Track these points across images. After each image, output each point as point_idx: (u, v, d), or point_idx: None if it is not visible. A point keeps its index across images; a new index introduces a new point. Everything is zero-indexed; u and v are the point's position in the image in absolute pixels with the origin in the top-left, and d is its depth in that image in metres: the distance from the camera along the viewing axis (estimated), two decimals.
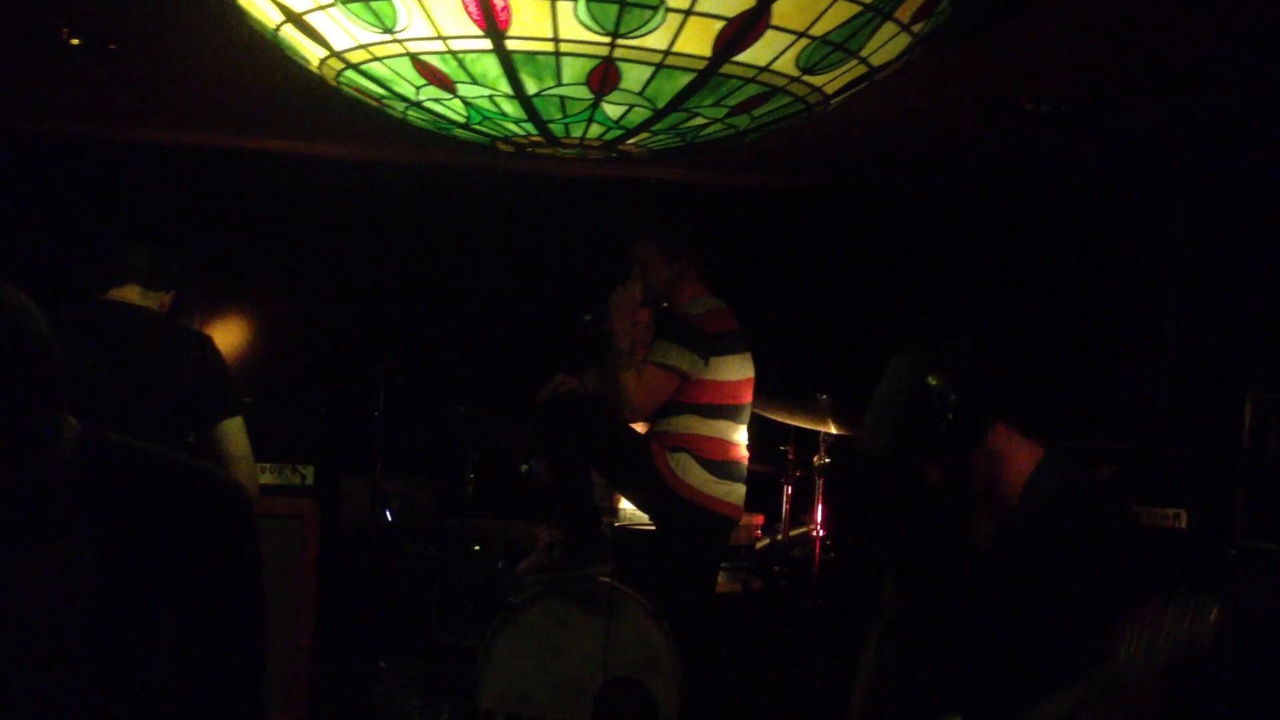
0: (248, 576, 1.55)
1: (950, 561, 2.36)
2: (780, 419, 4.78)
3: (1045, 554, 2.24)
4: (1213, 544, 4.36)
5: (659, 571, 4.23)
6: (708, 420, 4.12)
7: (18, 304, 1.48)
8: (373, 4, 2.41)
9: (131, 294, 3.31)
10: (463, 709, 4.12)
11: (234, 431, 3.20)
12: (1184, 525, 4.45)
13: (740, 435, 4.23)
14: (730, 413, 4.16)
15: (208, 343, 3.33)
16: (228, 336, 5.72)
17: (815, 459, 4.82)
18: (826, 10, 2.41)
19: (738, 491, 4.14)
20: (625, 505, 4.84)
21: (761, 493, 4.67)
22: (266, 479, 4.67)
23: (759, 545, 4.97)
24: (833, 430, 4.71)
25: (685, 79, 2.57)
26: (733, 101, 2.72)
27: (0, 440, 1.41)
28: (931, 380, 2.16)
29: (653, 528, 4.51)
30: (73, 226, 5.60)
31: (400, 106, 2.92)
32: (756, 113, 2.82)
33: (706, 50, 2.46)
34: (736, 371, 4.17)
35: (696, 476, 4.04)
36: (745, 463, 4.19)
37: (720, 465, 4.10)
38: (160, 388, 3.13)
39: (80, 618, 1.44)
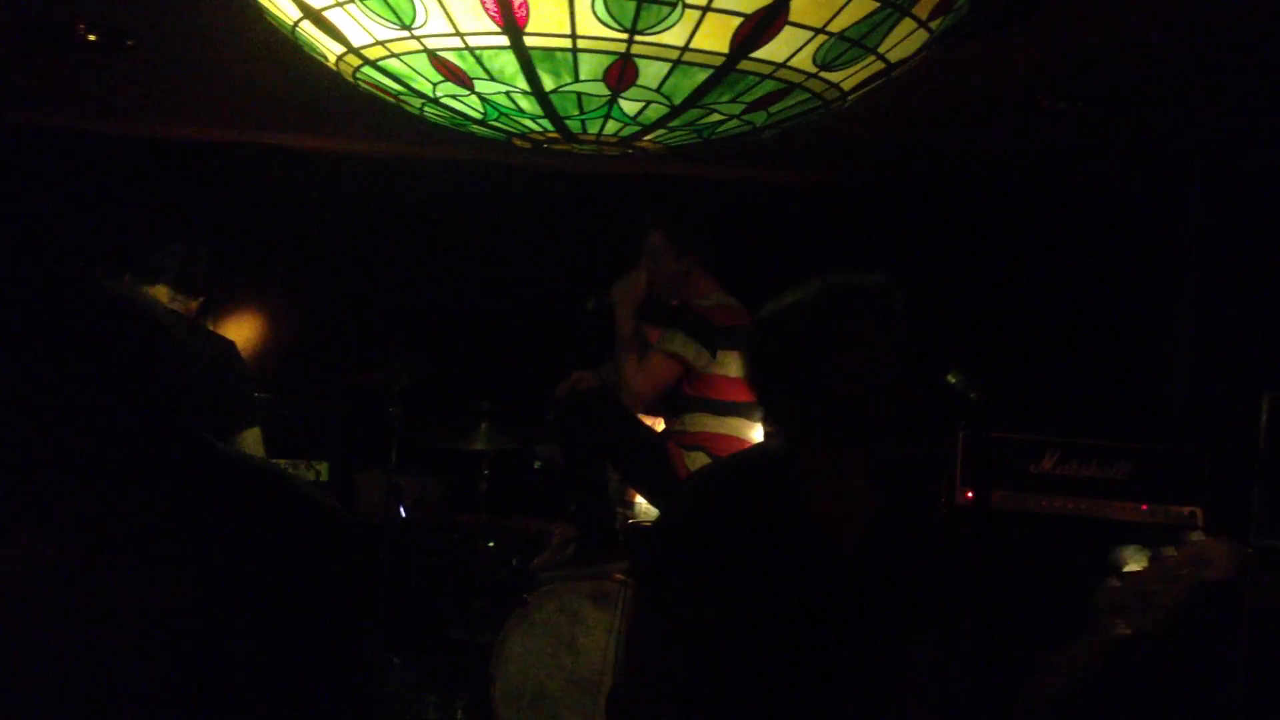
0: (344, 612, 1.48)
1: (808, 564, 2.14)
2: None
3: (912, 544, 2.25)
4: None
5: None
6: (720, 418, 4.11)
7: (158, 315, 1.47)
8: (391, 0, 2.41)
9: (160, 295, 3.31)
10: (477, 704, 4.12)
11: (251, 442, 3.20)
12: (1200, 523, 4.43)
13: (755, 433, 4.22)
14: (743, 410, 4.15)
15: (232, 350, 3.32)
16: (242, 332, 5.73)
17: None
18: (844, 6, 2.40)
19: None
20: (640, 500, 4.84)
21: None
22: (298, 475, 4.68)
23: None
24: None
25: (702, 75, 2.57)
26: (750, 98, 2.72)
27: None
28: (951, 379, 2.13)
29: None
30: (89, 222, 5.62)
31: (417, 103, 2.93)
32: (773, 109, 2.82)
33: (724, 46, 2.46)
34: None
35: None
36: None
37: None
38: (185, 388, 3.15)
39: (159, 630, 1.39)
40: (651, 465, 4.10)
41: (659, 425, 4.30)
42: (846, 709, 2.12)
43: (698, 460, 4.05)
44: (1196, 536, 2.01)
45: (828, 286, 2.31)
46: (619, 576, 4.04)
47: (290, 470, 4.74)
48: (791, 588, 2.08)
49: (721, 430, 4.11)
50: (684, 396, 4.09)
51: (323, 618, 1.44)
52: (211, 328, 3.50)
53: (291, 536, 1.44)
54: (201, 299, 3.45)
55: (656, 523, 2.21)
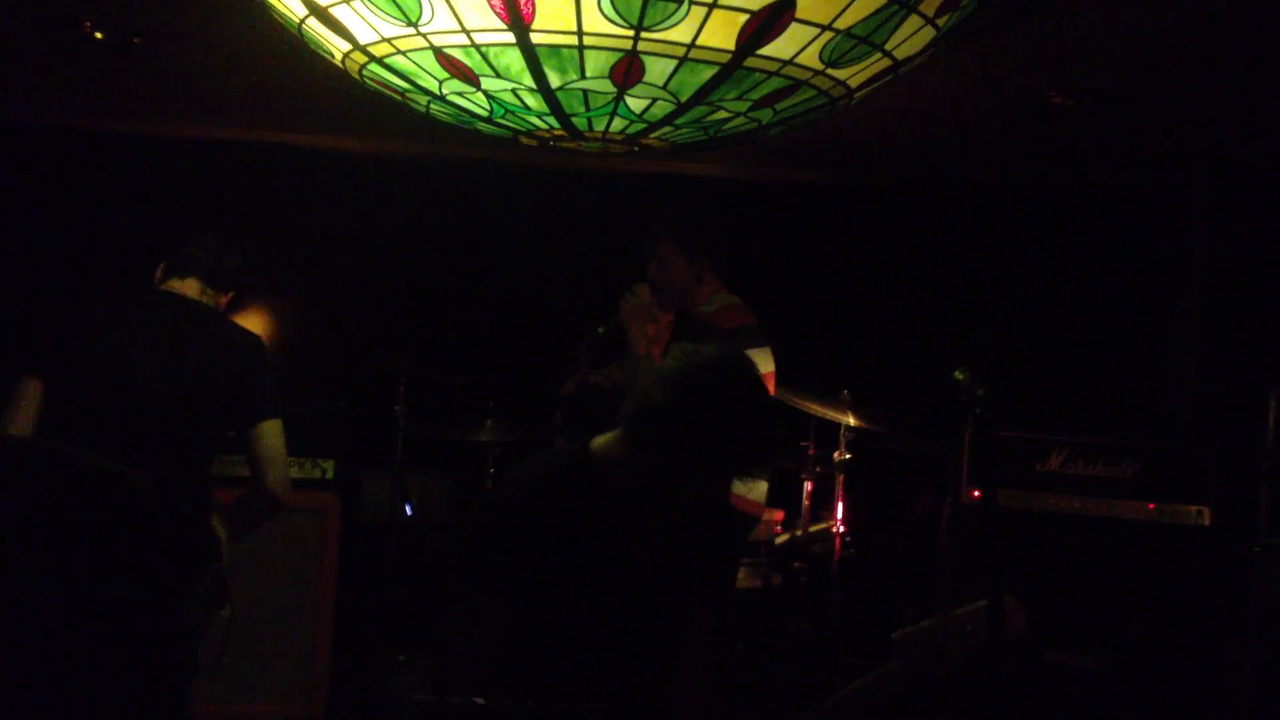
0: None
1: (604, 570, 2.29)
2: (802, 406, 4.75)
3: (708, 548, 2.47)
4: (1236, 542, 4.33)
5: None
6: None
7: None
8: None
9: (190, 288, 3.34)
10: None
11: (271, 434, 3.21)
12: (1207, 523, 4.43)
13: None
14: None
15: (258, 343, 3.35)
16: (250, 329, 5.73)
17: (835, 455, 4.81)
18: (851, 3, 2.40)
19: (759, 489, 4.13)
20: None
21: (781, 488, 4.66)
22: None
23: (779, 541, 4.96)
24: (853, 424, 4.69)
25: (709, 72, 2.56)
26: (756, 95, 2.71)
27: None
28: (958, 376, 2.13)
29: None
30: (96, 221, 5.62)
31: (423, 100, 2.93)
32: (780, 106, 2.82)
33: (730, 44, 2.46)
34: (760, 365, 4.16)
35: None
36: None
37: None
38: (205, 383, 3.16)
39: None
40: None
41: None
42: (635, 669, 2.31)
43: None
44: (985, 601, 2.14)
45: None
46: None
47: (296, 468, 4.75)
48: (584, 584, 2.24)
49: None
50: None
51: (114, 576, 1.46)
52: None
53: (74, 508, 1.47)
54: (232, 294, 3.49)
55: (473, 527, 2.34)
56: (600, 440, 2.32)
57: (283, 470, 3.22)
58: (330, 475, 4.79)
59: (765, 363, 4.19)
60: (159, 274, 3.38)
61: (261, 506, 3.24)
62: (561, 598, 2.22)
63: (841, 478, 4.82)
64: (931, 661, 2.19)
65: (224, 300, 3.46)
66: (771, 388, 4.23)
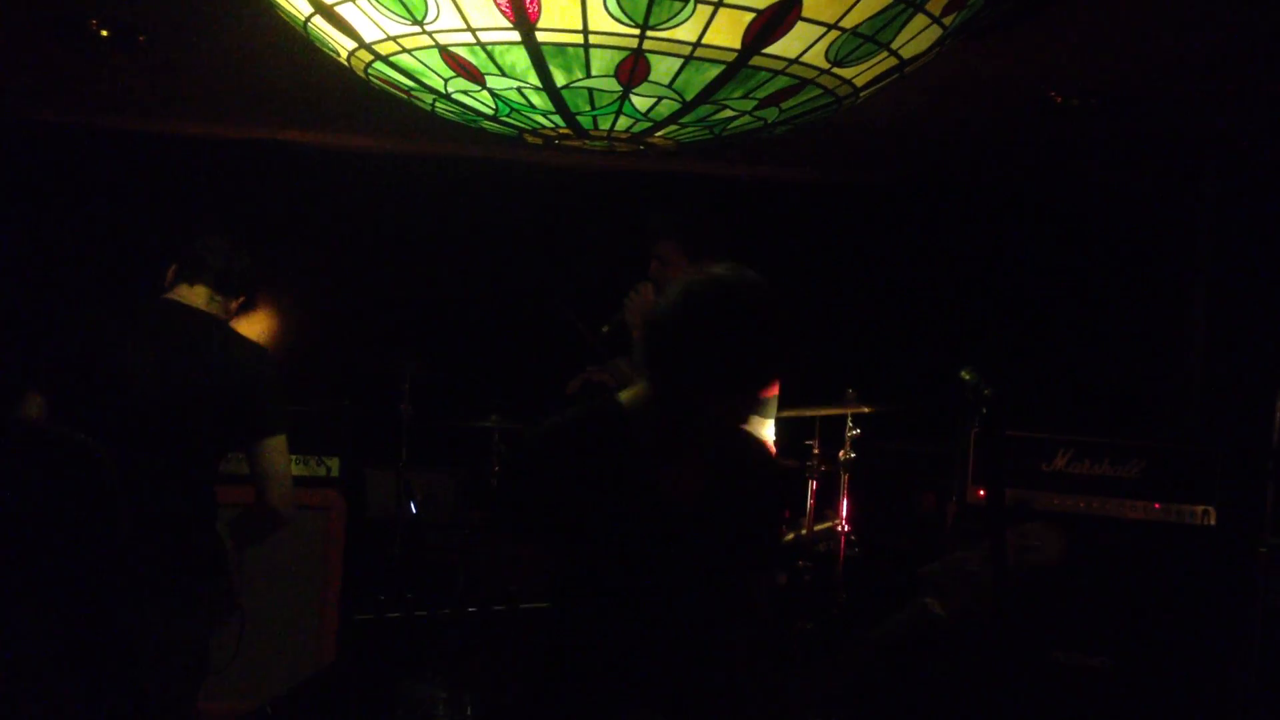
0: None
1: (640, 520, 2.22)
2: (811, 414, 4.76)
3: (753, 496, 2.33)
4: (1242, 542, 4.33)
5: None
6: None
7: None
8: None
9: (199, 296, 3.29)
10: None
11: (275, 449, 3.19)
12: (1213, 522, 4.42)
13: (768, 430, 4.21)
14: (766, 407, 4.14)
15: (265, 356, 3.32)
16: (254, 328, 5.74)
17: (840, 454, 4.80)
18: (858, 2, 2.39)
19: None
20: None
21: (786, 488, 4.66)
22: (292, 470, 4.69)
23: (784, 539, 4.96)
24: (865, 411, 4.69)
25: (714, 71, 2.56)
26: (762, 94, 2.71)
27: None
28: (965, 375, 2.12)
29: None
30: (100, 219, 5.63)
31: (428, 98, 2.92)
32: (785, 105, 2.81)
33: (736, 42, 2.45)
34: None
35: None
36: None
37: None
38: (208, 397, 3.13)
39: None
40: None
41: None
42: (685, 634, 2.24)
43: None
44: (1027, 523, 2.13)
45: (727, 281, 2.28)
46: None
47: (301, 466, 4.76)
48: (630, 540, 2.18)
49: None
50: None
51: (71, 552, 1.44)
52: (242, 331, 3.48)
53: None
54: (242, 298, 3.44)
55: (508, 475, 2.32)
56: (627, 393, 2.30)
57: (286, 486, 3.20)
58: (335, 473, 4.79)
59: None
60: (170, 275, 3.34)
61: (264, 521, 3.22)
62: (601, 555, 2.18)
63: (846, 477, 4.82)
64: (963, 596, 2.20)
65: (234, 305, 3.42)
66: (775, 388, 4.22)
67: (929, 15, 2.52)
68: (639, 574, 2.19)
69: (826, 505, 4.97)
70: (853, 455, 4.77)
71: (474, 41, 2.51)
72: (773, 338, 2.22)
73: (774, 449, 4.21)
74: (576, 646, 2.21)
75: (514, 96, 2.73)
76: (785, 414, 4.69)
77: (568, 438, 2.24)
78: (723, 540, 2.27)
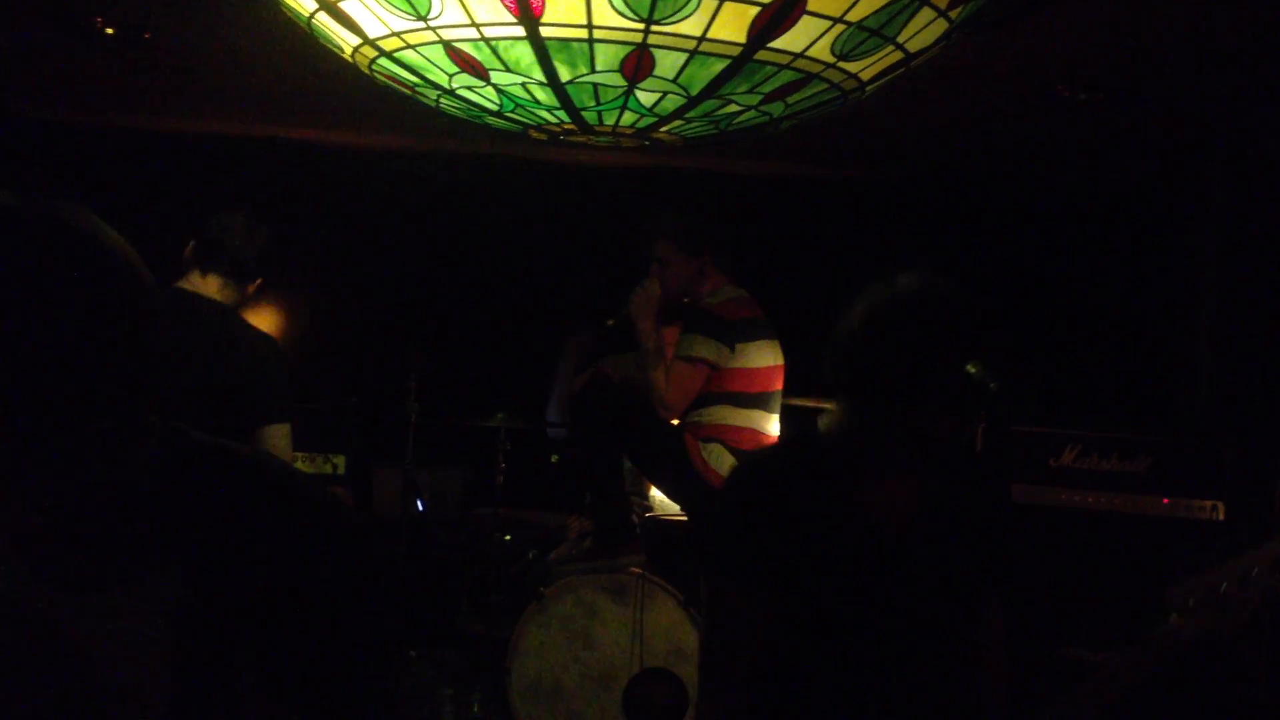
0: (355, 619, 1.29)
1: (850, 549, 2.08)
2: (813, 403, 4.75)
3: (973, 516, 2.18)
4: (1252, 537, 4.31)
5: (690, 561, 4.22)
6: (740, 410, 4.10)
7: (107, 242, 1.18)
8: None
9: (211, 285, 3.29)
10: (493, 698, 4.12)
11: (277, 437, 3.18)
12: (1222, 517, 4.40)
13: (773, 425, 4.21)
14: (762, 401, 4.14)
15: (272, 344, 3.31)
16: (260, 325, 5.73)
17: None
18: None
19: None
20: (655, 494, 4.84)
21: None
22: (299, 468, 4.69)
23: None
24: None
25: (719, 65, 2.55)
26: (767, 88, 2.70)
27: (69, 429, 1.08)
28: (971, 369, 2.08)
29: (683, 518, 4.50)
30: (107, 217, 5.63)
31: (433, 94, 2.92)
32: (791, 100, 2.80)
33: (741, 36, 2.44)
34: (764, 358, 4.15)
35: (729, 465, 4.03)
36: None
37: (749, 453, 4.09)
38: (216, 383, 3.12)
39: (162, 673, 1.17)
40: (667, 457, 4.09)
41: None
42: (914, 688, 2.09)
43: (714, 452, 4.04)
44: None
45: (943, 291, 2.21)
46: (635, 570, 4.03)
47: (307, 464, 4.76)
48: (845, 576, 2.05)
49: (740, 422, 4.10)
50: (705, 392, 4.08)
51: (333, 627, 1.28)
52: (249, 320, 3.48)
53: (293, 537, 1.27)
54: (259, 281, 3.43)
55: (714, 517, 2.20)
56: (824, 419, 2.20)
57: None
58: (342, 471, 4.79)
59: (774, 356, 4.18)
60: (188, 252, 3.33)
61: None
62: (819, 595, 2.05)
63: None
64: (1218, 618, 1.95)
65: (251, 289, 3.41)
66: (779, 382, 4.22)
67: (935, 9, 2.51)
68: (861, 610, 2.07)
69: None
70: None
71: (478, 37, 2.50)
72: (982, 351, 2.10)
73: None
74: (800, 693, 2.08)
75: (518, 92, 2.73)
76: (796, 402, 4.69)
77: (774, 474, 2.14)
78: (943, 565, 2.12)
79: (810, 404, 4.70)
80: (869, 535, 2.08)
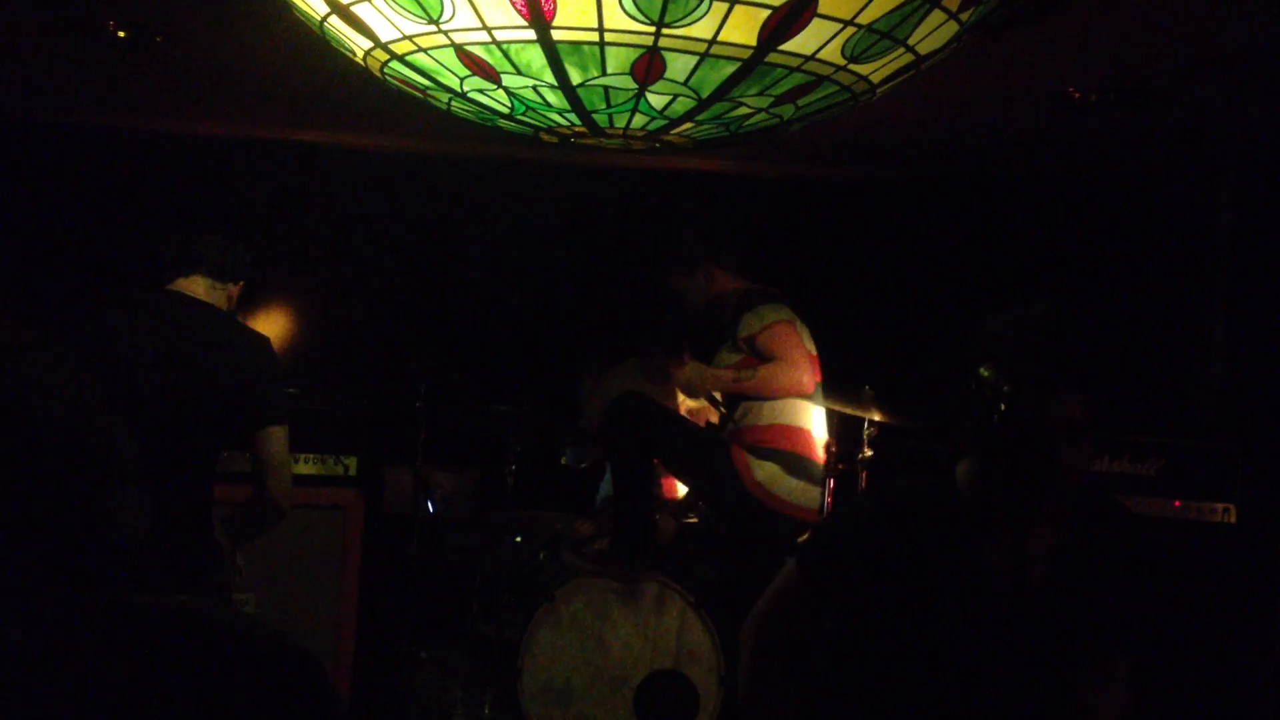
0: None
1: (968, 601, 1.98)
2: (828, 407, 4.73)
3: (1112, 573, 2.06)
4: (1263, 539, 4.30)
5: (718, 565, 4.22)
6: (796, 404, 4.02)
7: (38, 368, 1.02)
8: None
9: (198, 286, 3.27)
10: (504, 699, 4.13)
11: (275, 439, 3.15)
12: (1233, 520, 4.39)
13: (819, 418, 4.14)
14: (817, 395, 4.07)
15: (266, 345, 3.29)
16: (271, 327, 5.76)
17: (859, 453, 4.78)
18: None
19: (814, 493, 4.05)
20: (665, 494, 4.85)
21: None
22: (309, 469, 4.69)
23: (801, 540, 4.95)
24: (877, 419, 4.67)
25: (730, 68, 2.55)
26: (778, 91, 2.70)
27: None
28: (984, 372, 2.05)
29: (694, 520, 4.51)
30: (118, 219, 5.65)
31: (444, 98, 2.93)
32: (802, 102, 2.81)
33: (752, 39, 2.45)
34: (811, 344, 4.11)
35: (783, 485, 3.97)
36: (822, 461, 4.02)
37: (805, 464, 4.01)
38: (212, 386, 3.10)
39: None
40: (711, 471, 4.01)
41: (704, 413, 4.30)
42: None
43: (771, 473, 3.94)
44: None
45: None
46: (647, 572, 4.03)
47: (318, 464, 4.76)
48: (953, 630, 2.00)
49: (784, 420, 3.99)
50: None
51: None
52: (244, 321, 3.46)
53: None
54: (241, 283, 3.41)
55: (825, 530, 2.17)
56: (962, 465, 2.10)
57: (285, 477, 3.15)
58: (353, 472, 4.80)
59: (779, 312, 4.03)
60: (168, 277, 3.31)
61: (262, 514, 3.18)
62: (917, 645, 2.00)
63: (865, 475, 4.80)
64: None
65: (235, 290, 3.39)
66: (792, 338, 4.01)
67: (945, 11, 2.52)
68: (961, 669, 1.99)
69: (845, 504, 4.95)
70: (870, 453, 4.75)
71: (490, 40, 2.51)
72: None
73: (825, 442, 4.09)
74: None
75: (529, 95, 2.73)
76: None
77: (893, 506, 2.09)
78: (1066, 626, 2.02)
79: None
80: (985, 589, 1.99)
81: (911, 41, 2.59)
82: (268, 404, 3.16)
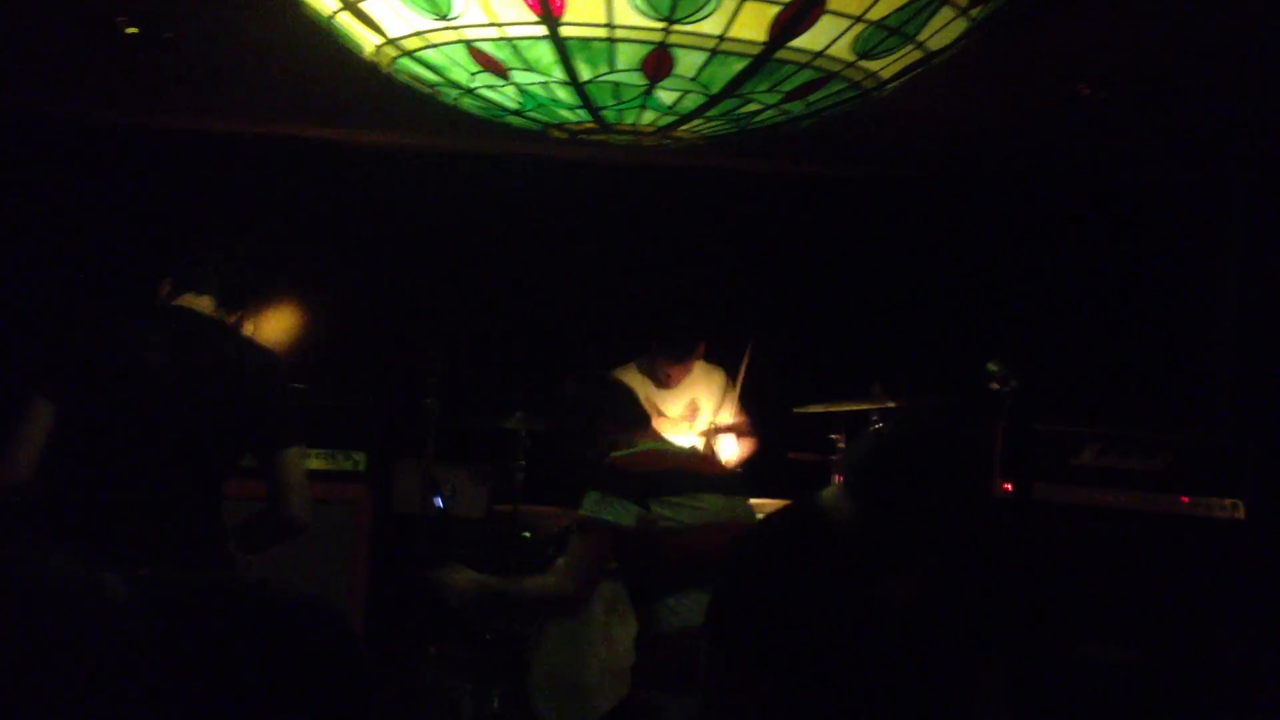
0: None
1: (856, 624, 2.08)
2: (835, 410, 4.74)
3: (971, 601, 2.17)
4: (1272, 535, 4.30)
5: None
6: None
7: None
8: None
9: (204, 305, 3.23)
10: (513, 694, 4.13)
11: (292, 459, 3.11)
12: (1241, 516, 4.39)
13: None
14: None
15: (277, 365, 3.26)
16: (281, 323, 5.77)
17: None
18: None
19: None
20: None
21: (811, 482, 4.65)
22: (319, 464, 4.70)
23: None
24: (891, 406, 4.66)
25: (740, 64, 2.56)
26: (787, 87, 2.70)
27: None
28: (992, 367, 2.08)
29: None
30: (128, 215, 5.66)
31: (453, 93, 2.93)
32: (811, 98, 2.81)
33: (762, 35, 2.45)
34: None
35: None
36: None
37: None
38: (224, 402, 3.07)
39: None
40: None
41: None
42: None
43: None
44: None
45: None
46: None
47: (328, 460, 4.77)
48: (853, 664, 2.06)
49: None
50: None
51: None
52: (252, 333, 3.40)
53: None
54: (242, 314, 3.38)
55: (728, 592, 2.19)
56: (827, 493, 2.21)
57: (305, 496, 3.09)
58: (362, 467, 4.80)
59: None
60: (166, 288, 3.26)
61: (278, 530, 3.13)
62: (830, 664, 2.06)
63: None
64: None
65: (233, 319, 3.34)
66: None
67: (955, 7, 2.52)
68: (861, 693, 2.07)
69: None
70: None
71: (499, 36, 2.51)
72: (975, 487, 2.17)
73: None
74: None
75: (539, 91, 2.74)
76: (814, 409, 4.69)
77: (789, 557, 2.13)
78: (939, 649, 2.13)
79: (822, 410, 4.70)
80: (876, 626, 2.08)
81: (921, 38, 2.59)
82: (284, 425, 3.12)
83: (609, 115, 2.83)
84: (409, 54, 2.74)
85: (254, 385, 3.12)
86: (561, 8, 2.37)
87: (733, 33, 2.42)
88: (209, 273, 3.23)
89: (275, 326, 5.29)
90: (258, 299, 3.43)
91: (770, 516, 2.28)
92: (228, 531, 3.13)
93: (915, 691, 2.09)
